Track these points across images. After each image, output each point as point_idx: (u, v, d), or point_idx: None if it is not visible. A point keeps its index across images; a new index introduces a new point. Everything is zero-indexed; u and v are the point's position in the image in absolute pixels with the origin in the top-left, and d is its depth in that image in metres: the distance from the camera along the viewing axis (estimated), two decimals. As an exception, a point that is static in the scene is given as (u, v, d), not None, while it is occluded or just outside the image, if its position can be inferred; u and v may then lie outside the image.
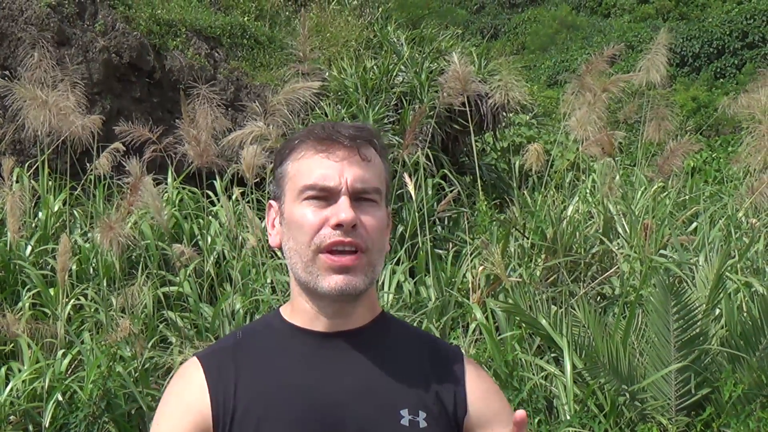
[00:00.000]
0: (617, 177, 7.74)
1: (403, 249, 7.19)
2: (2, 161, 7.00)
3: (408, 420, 1.85)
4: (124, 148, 7.01)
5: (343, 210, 1.80)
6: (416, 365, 1.94)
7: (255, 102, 8.23)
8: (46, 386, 5.23)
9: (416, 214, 7.16)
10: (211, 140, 6.54)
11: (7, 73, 8.12)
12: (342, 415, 1.83)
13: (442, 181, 8.84)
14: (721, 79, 37.77)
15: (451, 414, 1.91)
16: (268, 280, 6.49)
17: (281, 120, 6.38)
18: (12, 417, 5.21)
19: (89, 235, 7.05)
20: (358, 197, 1.84)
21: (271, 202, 1.98)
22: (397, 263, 6.93)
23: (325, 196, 1.83)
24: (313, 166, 1.85)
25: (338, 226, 1.80)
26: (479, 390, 1.96)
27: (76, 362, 5.61)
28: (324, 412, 1.83)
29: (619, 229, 7.09)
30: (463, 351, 2.05)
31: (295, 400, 1.85)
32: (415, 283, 6.76)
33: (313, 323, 1.92)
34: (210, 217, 7.45)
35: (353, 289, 1.82)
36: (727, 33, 38.82)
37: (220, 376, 1.90)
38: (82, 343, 5.68)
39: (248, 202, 7.07)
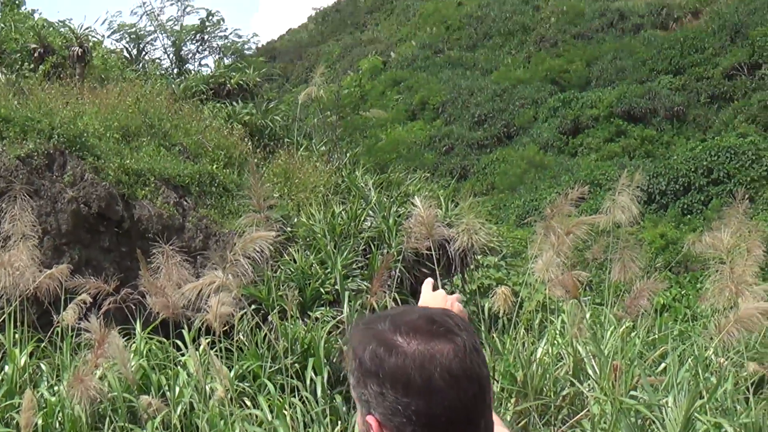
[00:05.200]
0: (586, 317, 7.75)
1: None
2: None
3: None
4: (91, 300, 7.00)
5: None
6: None
7: (224, 249, 8.26)
8: None
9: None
10: (175, 292, 6.53)
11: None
12: None
13: (411, 326, 8.76)
14: (689, 216, 38.25)
15: None
16: (236, 431, 6.39)
17: (242, 269, 6.39)
18: None
19: (56, 388, 6.95)
20: None
21: None
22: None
23: None
24: None
25: None
26: None
27: None
28: None
29: (589, 371, 7.06)
30: None
31: None
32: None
33: None
34: (178, 367, 7.38)
35: None
36: (693, 170, 39.49)
37: None
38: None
39: (216, 351, 7.03)
